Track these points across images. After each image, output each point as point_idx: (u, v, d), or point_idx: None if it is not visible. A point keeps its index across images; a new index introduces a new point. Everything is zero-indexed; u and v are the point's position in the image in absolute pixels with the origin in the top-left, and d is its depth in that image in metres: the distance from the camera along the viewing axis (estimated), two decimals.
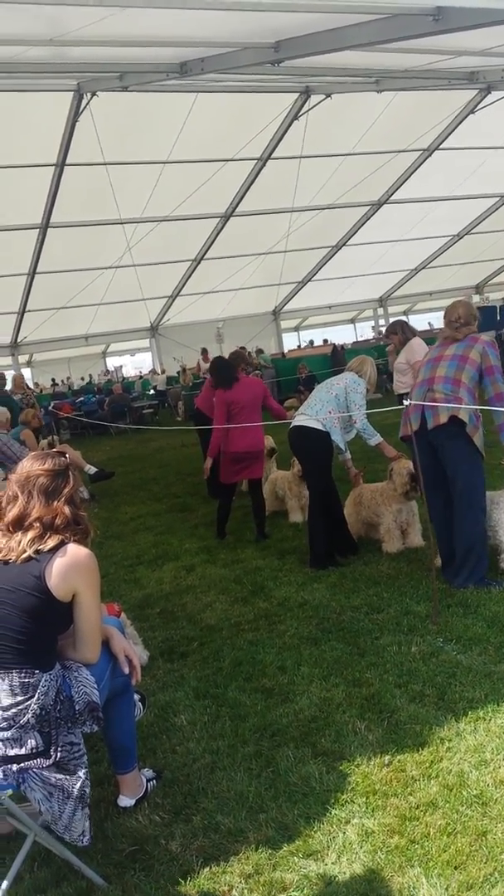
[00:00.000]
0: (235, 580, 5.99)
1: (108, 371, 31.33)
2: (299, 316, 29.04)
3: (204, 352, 21.66)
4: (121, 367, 34.84)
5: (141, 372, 32.55)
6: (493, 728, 3.35)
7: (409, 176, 18.80)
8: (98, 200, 15.70)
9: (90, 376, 30.48)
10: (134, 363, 37.94)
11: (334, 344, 24.02)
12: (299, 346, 28.75)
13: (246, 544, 7.01)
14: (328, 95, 14.06)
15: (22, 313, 20.92)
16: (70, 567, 2.72)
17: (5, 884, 2.61)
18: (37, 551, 2.72)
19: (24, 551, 2.71)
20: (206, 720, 3.81)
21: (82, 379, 29.29)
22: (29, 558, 2.71)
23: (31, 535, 2.73)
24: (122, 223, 16.37)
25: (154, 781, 3.31)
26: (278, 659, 4.37)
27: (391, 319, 29.04)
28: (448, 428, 4.89)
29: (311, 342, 29.56)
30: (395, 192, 19.53)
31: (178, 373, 23.19)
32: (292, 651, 4.46)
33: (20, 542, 2.73)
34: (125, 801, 3.19)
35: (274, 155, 16.37)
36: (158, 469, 12.11)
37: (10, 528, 2.78)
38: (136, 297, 19.71)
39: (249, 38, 9.24)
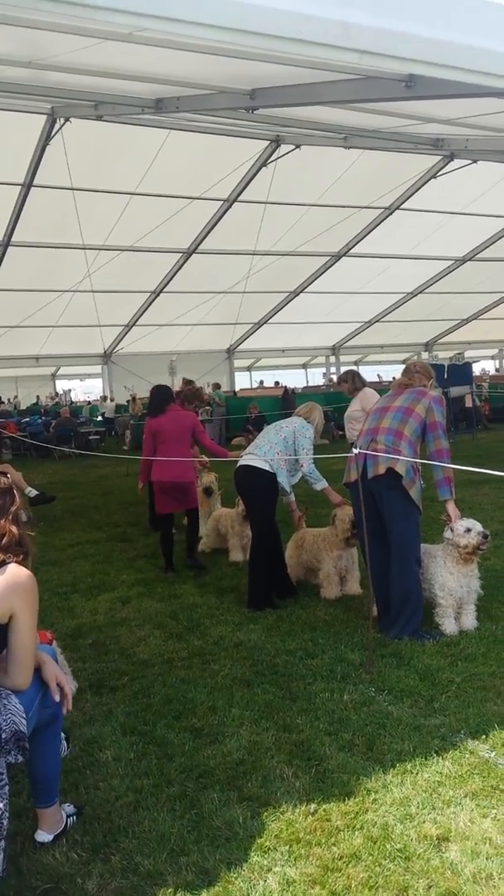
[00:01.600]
0: (171, 615, 5.93)
1: (56, 394, 30.99)
2: (252, 356, 29.37)
3: (185, 382, 21.50)
4: (69, 391, 34.54)
5: (90, 398, 32.29)
6: (419, 782, 3.36)
7: (370, 232, 19.34)
8: (62, 224, 15.76)
9: (38, 398, 30.12)
10: (83, 388, 37.68)
11: (286, 387, 24.29)
12: (260, 385, 28.93)
13: (185, 579, 6.96)
14: (298, 146, 14.44)
15: None
16: (10, 587, 2.67)
17: None
18: None
19: None
20: (131, 757, 3.73)
21: (33, 400, 28.91)
22: None
23: None
24: (84, 248, 16.39)
25: (74, 817, 3.22)
26: (210, 699, 4.33)
27: (342, 368, 29.68)
28: (385, 479, 4.97)
29: (262, 382, 29.80)
30: (354, 245, 20.04)
31: (127, 401, 23.10)
32: (224, 692, 4.41)
33: None
34: (43, 836, 3.09)
35: (241, 198, 16.70)
36: (101, 497, 11.98)
37: None
38: (91, 323, 19.72)
39: (226, 83, 9.44)
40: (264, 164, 15.27)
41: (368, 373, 31.26)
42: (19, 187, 15.05)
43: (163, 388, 7.68)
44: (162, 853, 2.99)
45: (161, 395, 7.42)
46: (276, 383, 27.81)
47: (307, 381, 32.17)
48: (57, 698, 2.95)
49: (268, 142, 14.57)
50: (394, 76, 6.95)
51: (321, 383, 29.90)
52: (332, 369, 28.90)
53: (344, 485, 5.38)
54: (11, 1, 4.35)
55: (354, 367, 31.27)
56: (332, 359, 28.74)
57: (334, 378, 28.53)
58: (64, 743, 3.24)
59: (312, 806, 3.24)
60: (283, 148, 14.60)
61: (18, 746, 2.70)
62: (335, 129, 12.82)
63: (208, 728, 3.99)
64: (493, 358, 35.57)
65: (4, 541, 2.74)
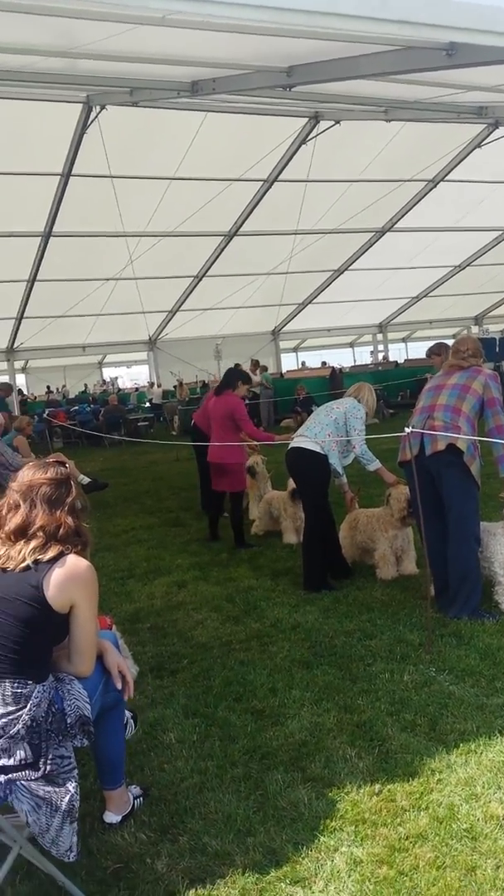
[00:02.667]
0: (227, 598, 5.96)
1: (104, 382, 31.32)
2: (298, 337, 29.19)
3: (254, 363, 21.42)
4: (116, 378, 34.88)
5: (137, 384, 32.55)
6: (484, 762, 3.33)
7: (414, 205, 18.99)
8: (102, 212, 15.79)
9: (85, 386, 30.47)
10: (130, 375, 37.97)
11: (333, 367, 24.12)
12: (303, 365, 28.81)
13: (239, 563, 6.99)
14: (337, 122, 14.21)
15: (20, 319, 20.97)
16: (69, 579, 2.70)
17: None
18: (36, 561, 2.70)
19: (24, 560, 2.69)
20: (194, 739, 3.78)
21: (81, 389, 29.27)
22: (27, 567, 2.70)
23: (33, 544, 2.72)
24: (125, 236, 16.44)
25: (141, 799, 3.27)
26: (269, 681, 4.34)
27: (390, 346, 29.38)
28: (445, 456, 4.91)
29: (304, 363, 29.64)
30: (398, 220, 19.71)
31: (174, 387, 23.21)
32: (284, 673, 4.43)
33: (21, 551, 2.71)
34: (111, 817, 3.15)
35: (280, 177, 16.52)
36: (152, 482, 12.08)
37: (12, 537, 2.76)
38: (135, 310, 19.78)
39: (262, 62, 9.34)
40: (304, 141, 15.07)
41: (417, 349, 30.91)
42: (58, 177, 15.12)
43: (230, 371, 7.98)
44: (229, 834, 3.02)
45: (224, 379, 7.80)
46: (323, 363, 27.63)
47: (354, 360, 31.89)
48: (119, 686, 2.98)
49: (306, 119, 14.38)
50: (434, 45, 6.79)
51: (368, 362, 29.62)
52: (380, 347, 28.58)
53: (399, 464, 5.33)
54: None
55: (398, 347, 30.90)
56: (380, 336, 28.40)
57: (381, 356, 28.25)
58: (131, 722, 3.28)
59: (377, 786, 3.23)
60: (323, 124, 14.38)
61: (84, 731, 2.74)
62: (375, 102, 12.60)
63: (269, 710, 4.01)
64: None
65: (62, 532, 2.77)
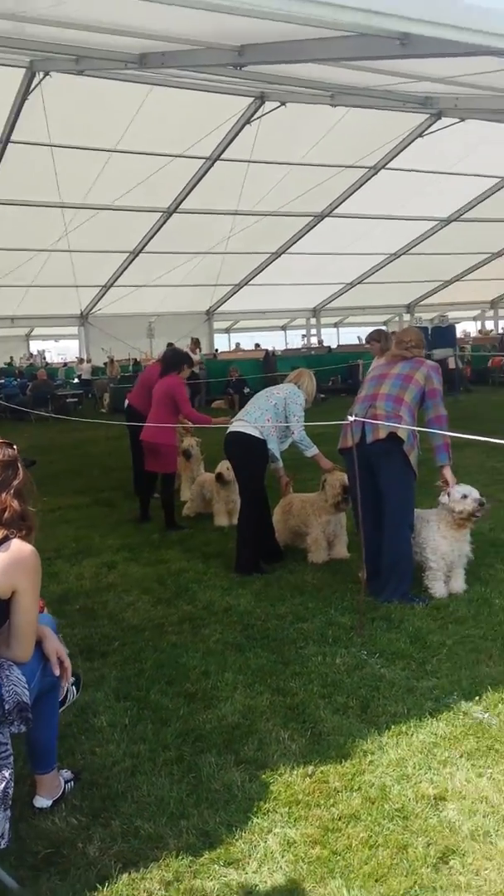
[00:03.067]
0: (158, 581, 5.92)
1: (31, 355, 30.58)
2: (232, 318, 29.14)
3: (195, 342, 21.25)
4: (43, 351, 34.11)
5: (65, 359, 31.92)
6: (414, 743, 3.41)
7: (354, 192, 19.11)
8: (40, 181, 15.40)
9: (11, 359, 29.71)
10: (58, 350, 37.17)
11: (266, 349, 24.17)
12: (236, 347, 28.76)
13: (170, 545, 6.96)
14: (283, 104, 14.16)
15: None
16: (14, 563, 2.63)
17: None
18: None
19: None
20: (126, 722, 3.74)
21: (6, 362, 28.51)
22: None
23: None
24: (62, 207, 16.08)
25: (72, 783, 3.23)
26: (202, 663, 4.34)
27: (322, 330, 29.60)
28: (385, 444, 4.97)
29: (238, 345, 29.63)
30: (338, 205, 19.82)
31: (104, 364, 22.86)
32: (216, 656, 4.43)
33: None
34: (42, 801, 3.10)
35: (223, 156, 16.40)
36: (81, 460, 11.90)
37: None
38: (68, 283, 19.43)
39: (212, 38, 9.20)
40: (248, 121, 14.99)
41: (349, 335, 31.26)
42: None
43: (176, 351, 8.05)
44: (162, 817, 3.01)
45: (170, 360, 7.71)
46: (256, 345, 27.65)
47: (286, 344, 32.02)
48: (57, 672, 2.93)
49: (252, 98, 14.28)
50: (387, 34, 6.81)
51: (300, 345, 29.78)
52: (313, 331, 28.75)
53: (339, 451, 5.37)
54: None
55: (330, 332, 31.16)
56: (313, 321, 28.58)
57: (315, 341, 28.44)
58: (73, 689, 3.22)
59: (310, 768, 3.27)
60: (268, 105, 14.32)
61: (21, 717, 2.68)
62: (322, 86, 12.60)
63: (202, 693, 4.01)
64: (474, 319, 35.58)
65: (6, 516, 2.70)
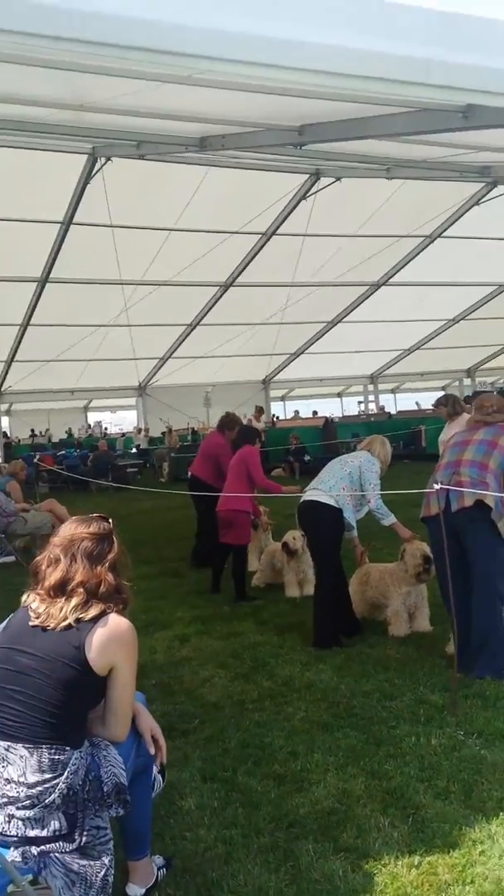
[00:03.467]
0: (234, 655, 5.79)
1: (89, 426, 31.19)
2: (288, 386, 29.33)
3: (259, 410, 21.65)
4: (100, 422, 34.81)
5: (122, 429, 32.46)
6: None
7: (410, 261, 19.26)
8: (100, 260, 15.88)
9: (69, 430, 30.33)
10: (114, 420, 37.93)
11: (326, 416, 24.16)
12: (295, 414, 28.91)
13: (242, 617, 6.83)
14: (338, 179, 14.46)
15: (9, 363, 20.95)
16: (111, 639, 2.58)
17: None
18: (78, 619, 2.58)
19: (66, 618, 2.57)
20: (215, 805, 3.60)
21: (65, 433, 29.14)
22: (69, 626, 2.57)
23: (74, 601, 2.60)
24: (122, 284, 16.51)
25: (164, 870, 3.09)
26: (288, 744, 4.18)
27: (380, 396, 29.55)
28: (472, 512, 4.84)
29: (297, 412, 29.77)
30: (394, 274, 19.97)
31: (163, 433, 23.12)
32: (303, 735, 4.27)
33: (62, 608, 2.59)
34: (135, 889, 2.97)
35: (279, 231, 16.74)
36: (145, 531, 11.90)
37: (51, 594, 2.64)
38: (127, 356, 19.83)
39: (272, 120, 9.48)
40: (303, 197, 15.31)
41: (407, 401, 31.14)
42: (59, 225, 15.26)
43: (243, 429, 8.24)
44: None
45: (242, 434, 7.95)
46: (314, 413, 27.70)
47: (342, 410, 32.04)
48: (153, 751, 2.84)
49: (307, 175, 14.63)
50: (450, 107, 6.91)
51: (356, 412, 29.74)
52: (371, 398, 28.70)
53: (421, 519, 5.25)
54: (74, 47, 4.37)
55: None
56: (371, 387, 28.56)
57: (372, 407, 28.38)
58: (159, 777, 3.11)
59: (416, 858, 3.08)
60: (323, 181, 14.63)
61: (120, 800, 2.59)
62: (378, 160, 12.82)
63: (291, 775, 3.84)
64: None
65: (102, 589, 2.66)
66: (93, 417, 34.80)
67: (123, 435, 29.82)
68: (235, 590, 7.38)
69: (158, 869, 3.08)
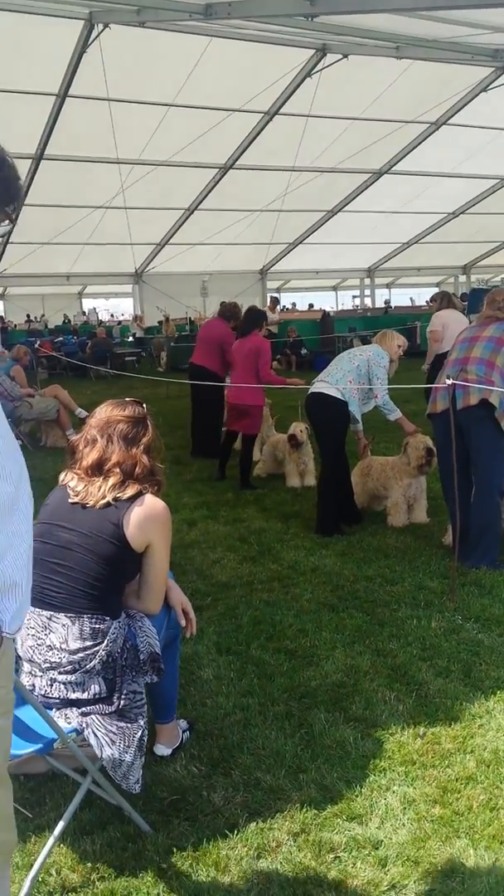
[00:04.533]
0: (241, 539, 6.00)
1: (84, 313, 30.75)
2: (284, 277, 28.84)
3: (274, 301, 21.50)
4: (94, 309, 34.28)
5: (117, 316, 32.03)
6: None
7: (414, 148, 18.64)
8: (97, 136, 15.30)
9: (65, 316, 29.91)
10: (108, 307, 37.32)
11: (324, 310, 23.91)
12: (293, 307, 28.57)
13: (246, 504, 7.02)
14: (345, 56, 13.79)
15: (4, 245, 20.41)
16: (148, 518, 2.69)
17: (61, 824, 2.60)
18: (115, 498, 2.68)
19: (104, 497, 2.67)
20: (232, 676, 3.83)
21: (60, 319, 28.73)
22: (107, 504, 2.67)
23: (112, 481, 2.69)
24: (118, 163, 15.95)
25: (188, 732, 3.33)
26: (298, 622, 4.40)
27: (376, 291, 29.17)
28: (477, 410, 4.91)
29: (294, 305, 29.41)
30: (397, 162, 19.37)
31: (159, 322, 22.88)
32: (311, 615, 4.49)
33: (100, 487, 2.69)
34: (163, 749, 3.20)
35: (281, 111, 16.07)
36: None
37: (89, 473, 2.73)
38: (123, 241, 19.37)
39: None
40: (308, 74, 14.63)
41: (401, 296, 30.78)
42: (54, 97, 14.58)
43: (253, 310, 8.09)
44: (280, 770, 3.09)
45: (248, 318, 7.84)
46: (310, 306, 27.39)
47: (337, 304, 31.68)
48: (183, 623, 3.01)
49: (314, 51, 13.92)
50: None
51: (351, 306, 29.42)
52: (367, 292, 28.33)
53: (427, 416, 5.33)
54: None
55: (383, 293, 30.75)
56: (367, 281, 28.15)
57: (368, 302, 28.07)
58: (185, 734, 3.31)
59: (420, 729, 3.32)
60: (330, 57, 13.94)
61: (154, 667, 2.76)
62: (388, 37, 12.25)
63: (302, 650, 4.07)
64: None
65: (138, 470, 2.75)
66: (87, 304, 34.21)
67: (120, 323, 29.44)
68: (241, 477, 7.53)
69: (183, 732, 3.31)
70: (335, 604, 4.64)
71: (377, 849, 2.67)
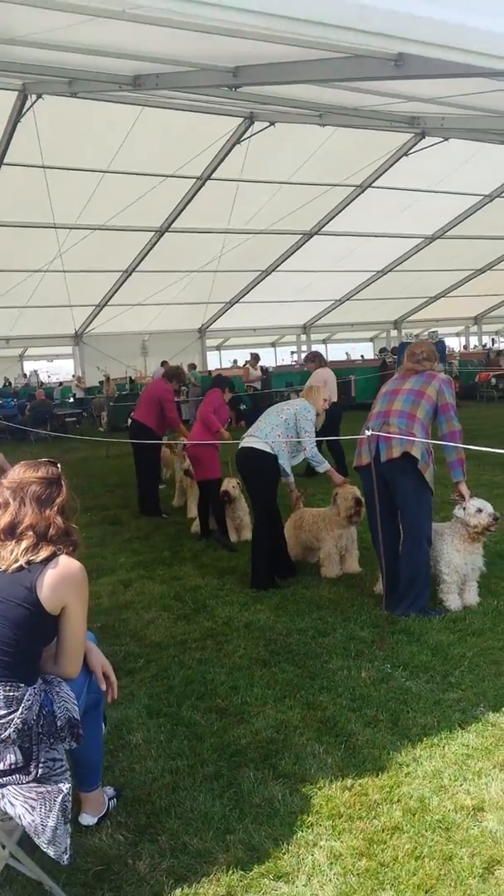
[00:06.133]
0: (176, 597, 5.97)
1: (25, 375, 30.55)
2: (223, 335, 29.23)
3: (255, 357, 21.71)
4: (36, 371, 34.09)
5: (59, 379, 31.90)
6: (448, 755, 3.47)
7: (341, 210, 19.27)
8: (32, 203, 15.46)
9: (5, 379, 29.67)
10: (52, 369, 37.12)
11: (260, 366, 24.23)
12: (234, 363, 28.88)
13: (182, 561, 7.00)
14: (272, 123, 14.32)
15: None
16: (62, 580, 2.68)
17: None
18: (29, 561, 2.68)
19: (17, 560, 2.66)
20: (161, 739, 3.79)
21: (3, 382, 28.50)
22: (20, 568, 2.67)
23: (24, 543, 2.69)
24: (55, 227, 16.12)
25: (115, 800, 3.27)
26: (230, 679, 4.39)
27: (313, 346, 29.74)
28: (400, 462, 5.04)
29: (235, 361, 29.76)
30: (326, 224, 19.96)
31: (101, 382, 22.88)
32: (243, 671, 4.48)
33: (13, 551, 2.68)
34: (88, 819, 3.14)
35: (213, 176, 16.51)
36: (85, 479, 11.89)
37: (1, 537, 2.72)
38: (62, 303, 19.48)
39: (208, 60, 9.32)
40: (238, 141, 15.11)
41: (338, 351, 31.44)
42: None
43: (219, 377, 9.04)
44: (208, 832, 3.05)
45: (216, 381, 8.60)
46: (246, 363, 27.70)
47: (276, 360, 32.15)
48: (103, 687, 2.99)
49: (242, 119, 14.42)
50: (383, 55, 6.93)
51: (290, 361, 29.89)
52: (304, 347, 28.87)
53: (354, 468, 5.44)
54: None
55: (321, 347, 31.47)
56: (303, 337, 28.72)
57: (304, 356, 28.58)
58: (102, 724, 3.27)
59: (348, 781, 3.33)
60: (257, 125, 14.47)
61: (73, 733, 2.73)
62: (311, 105, 12.74)
63: (233, 708, 4.06)
64: (458, 335, 35.83)
65: (52, 532, 2.75)
66: (29, 366, 34.00)
67: (61, 384, 29.30)
68: (217, 526, 7.60)
69: (109, 799, 3.26)
70: (267, 658, 4.65)
71: None
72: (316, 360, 11.42)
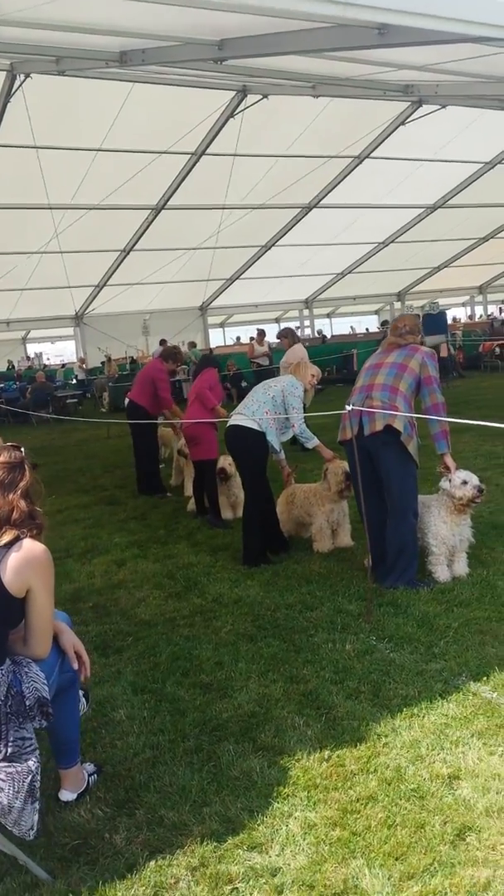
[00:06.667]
0: (168, 576, 6.01)
1: (28, 358, 30.60)
2: (225, 312, 29.14)
3: (261, 333, 21.54)
4: (40, 353, 34.14)
5: (62, 360, 31.94)
6: (426, 725, 3.49)
7: (339, 182, 19.11)
8: (26, 184, 15.38)
9: (9, 362, 29.73)
10: (54, 351, 37.21)
11: (270, 342, 24.15)
12: (237, 341, 28.81)
13: (177, 539, 7.04)
14: (265, 96, 14.16)
15: None
16: (26, 563, 2.70)
17: None
18: None
19: None
20: (145, 715, 3.83)
21: (5, 365, 28.55)
22: None
23: None
24: (50, 208, 16.04)
25: (95, 776, 3.31)
26: (215, 655, 4.42)
27: (316, 321, 29.64)
28: (383, 436, 5.03)
29: (238, 339, 29.68)
30: (324, 196, 19.81)
31: (102, 363, 22.89)
32: (229, 647, 4.51)
33: None
34: (67, 794, 3.19)
35: (208, 151, 16.38)
36: (84, 460, 11.96)
37: None
38: (61, 284, 19.45)
39: (192, 34, 9.21)
40: (231, 115, 14.97)
41: (341, 325, 31.31)
42: None
43: (207, 357, 9.02)
44: (185, 805, 3.09)
45: (204, 360, 8.39)
46: (251, 339, 27.62)
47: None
48: (76, 666, 3.01)
49: (234, 92, 14.27)
50: (365, 24, 6.83)
51: None
52: (307, 322, 28.76)
53: (339, 443, 5.43)
54: None
55: (324, 323, 31.36)
56: (306, 312, 28.59)
57: (308, 332, 28.48)
58: (83, 700, 3.30)
59: (326, 752, 3.35)
60: (250, 98, 14.31)
61: (42, 712, 2.76)
62: (304, 77, 12.59)
63: (217, 683, 4.09)
64: (463, 305, 35.60)
65: (15, 516, 2.76)
66: (32, 349, 34.07)
67: (63, 366, 29.35)
68: (210, 509, 7.55)
69: (89, 775, 3.30)
70: (253, 633, 4.67)
71: (274, 876, 2.68)
72: (289, 336, 11.43)
